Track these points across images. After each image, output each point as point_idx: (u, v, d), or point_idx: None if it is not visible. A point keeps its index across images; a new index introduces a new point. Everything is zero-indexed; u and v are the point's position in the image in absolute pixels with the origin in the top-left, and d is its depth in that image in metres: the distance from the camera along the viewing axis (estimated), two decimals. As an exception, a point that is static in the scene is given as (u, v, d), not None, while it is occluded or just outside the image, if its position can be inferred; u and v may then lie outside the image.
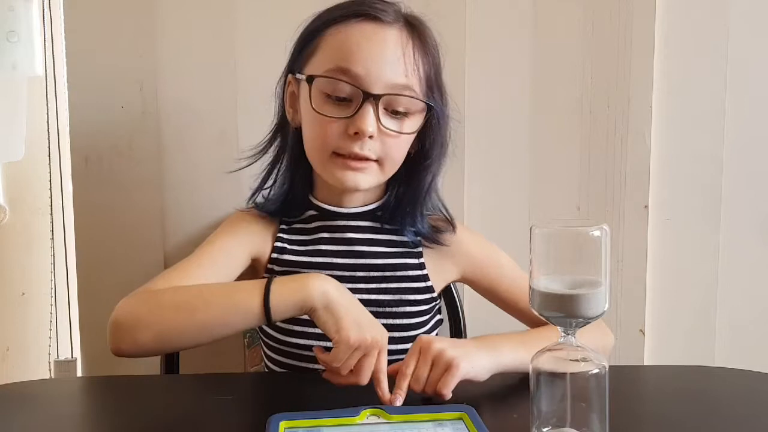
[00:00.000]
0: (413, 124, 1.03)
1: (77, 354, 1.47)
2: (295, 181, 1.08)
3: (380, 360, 0.88)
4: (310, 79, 1.00)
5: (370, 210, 1.09)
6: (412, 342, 0.92)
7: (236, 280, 1.04)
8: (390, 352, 0.90)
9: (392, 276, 1.08)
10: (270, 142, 1.11)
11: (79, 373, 1.46)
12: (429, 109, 1.03)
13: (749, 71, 1.39)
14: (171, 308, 0.91)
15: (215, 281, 0.99)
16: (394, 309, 1.06)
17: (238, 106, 1.34)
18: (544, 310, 0.70)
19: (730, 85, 1.39)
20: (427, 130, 1.05)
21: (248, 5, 1.32)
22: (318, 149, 1.02)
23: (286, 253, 1.08)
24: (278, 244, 1.08)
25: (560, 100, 1.39)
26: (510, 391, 0.93)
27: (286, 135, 1.10)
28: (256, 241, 1.08)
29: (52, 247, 1.49)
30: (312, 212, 1.09)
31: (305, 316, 0.90)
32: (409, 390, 0.87)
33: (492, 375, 0.92)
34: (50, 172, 1.49)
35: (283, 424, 0.76)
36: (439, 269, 1.11)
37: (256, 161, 1.12)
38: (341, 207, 1.08)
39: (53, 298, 1.51)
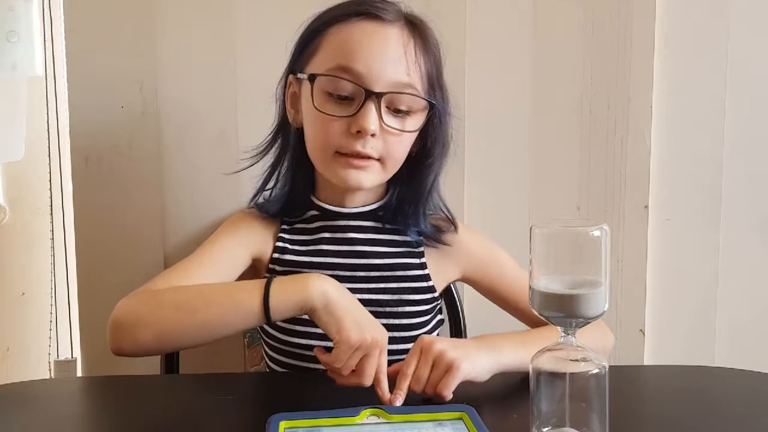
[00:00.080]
0: (415, 122, 1.03)
1: (77, 354, 1.47)
2: (297, 182, 1.08)
3: (380, 360, 0.88)
4: (312, 78, 1.00)
5: (371, 210, 1.09)
6: (413, 342, 0.92)
7: (237, 280, 1.04)
8: (391, 352, 0.90)
9: (394, 276, 1.07)
10: (271, 144, 1.11)
11: (79, 373, 1.46)
12: (431, 107, 1.03)
13: (749, 71, 1.39)
14: (171, 308, 0.91)
15: (215, 281, 0.99)
16: (396, 309, 1.06)
17: (238, 106, 1.34)
18: (544, 310, 0.70)
19: (730, 85, 1.39)
20: (429, 129, 1.05)
21: (248, 5, 1.32)
22: (320, 149, 1.02)
23: (287, 253, 1.08)
24: (279, 244, 1.08)
25: (560, 100, 1.39)
26: (510, 391, 0.93)
27: (288, 136, 1.09)
28: (257, 241, 1.08)
29: (52, 247, 1.49)
30: (313, 212, 1.09)
31: (306, 316, 0.90)
32: (410, 390, 0.87)
33: (492, 375, 0.92)
34: (50, 172, 1.49)
35: (283, 424, 0.76)
36: (440, 269, 1.11)
37: (256, 162, 1.12)
38: (343, 207, 1.08)
39: (53, 298, 1.51)
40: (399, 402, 0.85)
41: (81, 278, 1.36)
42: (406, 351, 0.92)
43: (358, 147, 0.99)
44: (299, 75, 1.04)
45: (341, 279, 0.94)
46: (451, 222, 1.11)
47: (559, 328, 0.72)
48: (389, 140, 1.01)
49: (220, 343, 0.95)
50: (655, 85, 1.38)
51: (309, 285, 0.89)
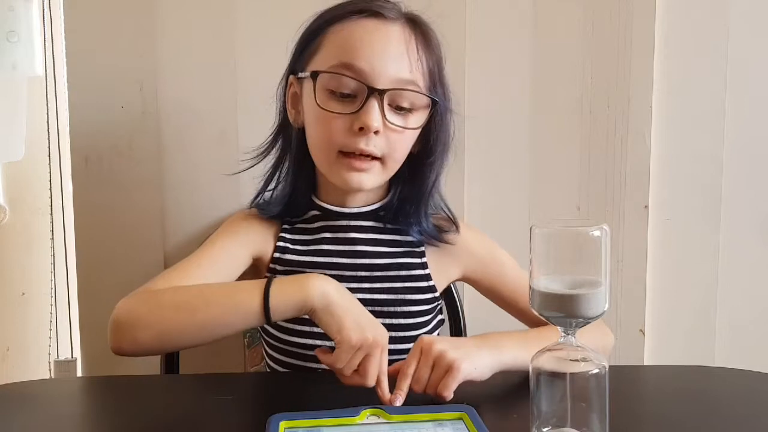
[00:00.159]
0: (417, 119, 1.03)
1: (77, 354, 1.47)
2: (299, 183, 1.08)
3: (381, 360, 0.88)
4: (315, 75, 1.00)
5: (373, 210, 1.09)
6: (413, 342, 0.92)
7: (238, 280, 1.04)
8: (391, 352, 0.90)
9: (395, 276, 1.07)
10: (271, 144, 1.11)
11: (79, 373, 1.46)
12: (433, 104, 1.03)
13: (749, 71, 1.39)
14: (171, 308, 0.91)
15: (216, 281, 0.99)
16: (396, 309, 1.06)
17: (238, 106, 1.34)
18: (544, 310, 0.70)
19: (730, 85, 1.39)
20: (431, 127, 1.05)
21: (248, 5, 1.32)
22: (323, 148, 1.02)
23: (288, 253, 1.08)
24: (280, 243, 1.08)
25: (560, 100, 1.39)
26: (510, 391, 0.93)
27: (288, 137, 1.09)
28: (257, 241, 1.08)
29: (52, 247, 1.49)
30: (314, 212, 1.09)
31: (306, 316, 0.90)
32: (410, 390, 0.87)
33: (493, 374, 0.92)
34: (50, 172, 1.49)
35: (283, 424, 0.76)
36: (441, 268, 1.11)
37: (257, 163, 1.12)
38: (344, 207, 1.08)
39: (53, 298, 1.51)
40: (399, 402, 0.85)
41: (81, 278, 1.36)
42: (406, 351, 0.92)
43: (361, 145, 0.99)
44: (300, 74, 1.04)
45: (342, 279, 0.94)
46: (453, 221, 1.11)
47: (559, 328, 0.72)
48: (392, 138, 1.01)
49: (220, 343, 0.94)
50: (655, 85, 1.38)
51: (309, 285, 0.89)
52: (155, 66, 1.32)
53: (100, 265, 1.34)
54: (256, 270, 1.09)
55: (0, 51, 1.36)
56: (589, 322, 0.70)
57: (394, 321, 1.05)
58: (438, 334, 1.14)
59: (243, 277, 1.06)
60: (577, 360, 0.71)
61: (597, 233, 0.69)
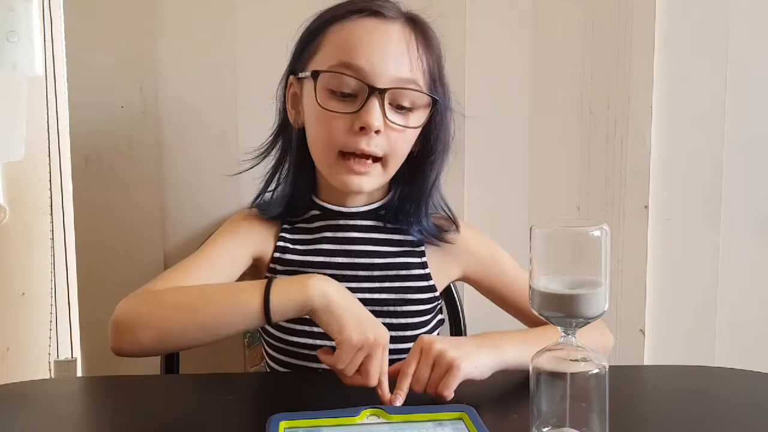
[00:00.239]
0: (418, 118, 1.03)
1: (77, 354, 1.47)
2: (299, 184, 1.08)
3: (382, 360, 0.88)
4: (315, 74, 1.00)
5: (373, 209, 1.09)
6: (413, 341, 0.92)
7: (238, 280, 1.05)
8: (392, 352, 0.90)
9: (395, 275, 1.07)
10: (272, 145, 1.11)
11: (79, 373, 1.46)
12: (434, 103, 1.03)
13: (749, 71, 1.39)
14: (172, 308, 0.91)
15: (216, 282, 0.99)
16: (397, 308, 1.06)
17: (238, 106, 1.34)
18: (544, 310, 0.70)
19: (730, 85, 1.39)
20: (431, 126, 1.05)
21: (248, 5, 1.32)
22: (324, 148, 1.02)
23: (288, 253, 1.08)
24: (281, 243, 1.08)
25: (560, 100, 1.39)
26: (510, 391, 0.93)
27: (288, 137, 1.09)
28: (257, 241, 1.08)
29: (52, 247, 1.49)
30: (315, 212, 1.09)
31: (307, 316, 0.90)
32: (410, 390, 0.87)
33: (492, 375, 0.92)
34: (50, 172, 1.49)
35: (283, 424, 0.76)
36: (441, 268, 1.11)
37: (257, 164, 1.12)
38: (344, 206, 1.08)
39: (53, 298, 1.51)
40: (399, 402, 0.85)
41: (81, 278, 1.36)
42: (406, 350, 0.92)
43: (363, 145, 0.99)
44: (301, 74, 1.04)
45: (342, 278, 0.94)
46: (453, 221, 1.11)
47: (559, 328, 0.72)
48: (393, 137, 1.00)
49: (220, 343, 0.94)
50: (655, 85, 1.38)
51: (309, 286, 0.89)
52: (155, 66, 1.32)
53: (100, 265, 1.34)
54: (256, 270, 1.09)
55: (0, 51, 1.36)
56: (589, 322, 0.70)
57: (394, 320, 1.05)
58: (438, 334, 1.14)
59: (243, 277, 1.06)
60: (577, 360, 0.71)
61: (597, 233, 0.69)
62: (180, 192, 1.34)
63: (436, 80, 1.04)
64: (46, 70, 1.44)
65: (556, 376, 0.71)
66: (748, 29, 1.38)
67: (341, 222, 1.08)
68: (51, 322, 1.52)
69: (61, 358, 1.54)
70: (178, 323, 0.91)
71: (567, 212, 1.40)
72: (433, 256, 1.11)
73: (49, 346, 1.53)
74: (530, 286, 0.71)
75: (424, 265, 1.10)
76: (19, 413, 0.87)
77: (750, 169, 1.42)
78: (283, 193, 1.09)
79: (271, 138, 1.12)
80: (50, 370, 1.53)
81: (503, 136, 1.39)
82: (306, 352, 1.04)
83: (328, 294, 0.88)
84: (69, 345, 1.52)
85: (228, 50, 1.33)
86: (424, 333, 1.08)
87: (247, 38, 1.33)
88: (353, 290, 0.93)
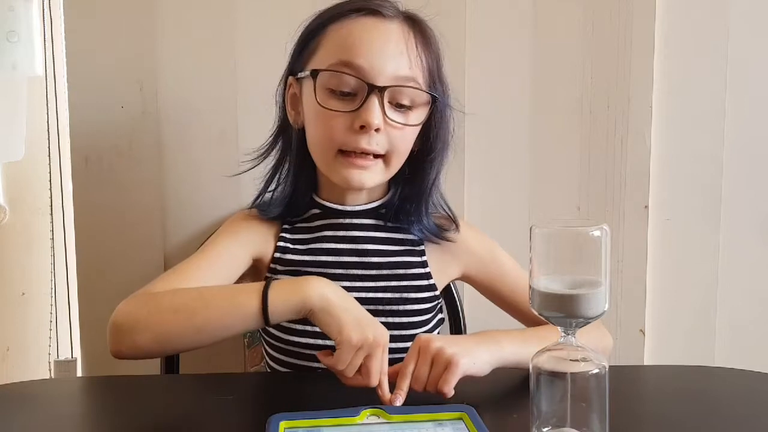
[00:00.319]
0: (418, 116, 1.03)
1: (77, 354, 1.47)
2: (299, 184, 1.08)
3: (382, 359, 0.88)
4: (315, 74, 1.00)
5: (373, 208, 1.09)
6: (413, 341, 0.92)
7: (238, 280, 1.04)
8: (392, 351, 0.90)
9: (395, 274, 1.07)
10: (272, 146, 1.11)
11: (79, 373, 1.46)
12: (433, 101, 1.03)
13: (749, 71, 1.40)
14: (170, 311, 0.91)
15: (215, 283, 0.99)
16: (397, 307, 1.06)
17: (238, 106, 1.34)
18: (544, 310, 0.70)
19: (730, 85, 1.39)
20: (431, 124, 1.05)
21: (248, 5, 1.32)
22: (324, 147, 1.02)
23: (288, 253, 1.08)
24: (281, 243, 1.08)
25: (560, 100, 1.39)
26: (510, 391, 0.93)
27: (288, 138, 1.09)
28: (257, 241, 1.08)
29: (52, 247, 1.49)
30: (315, 211, 1.09)
31: (306, 317, 0.90)
32: (410, 389, 0.87)
33: (492, 375, 0.92)
34: (50, 172, 1.49)
35: (283, 424, 0.76)
36: (441, 266, 1.11)
37: (257, 165, 1.12)
38: (345, 205, 1.08)
39: (53, 298, 1.51)
40: (399, 402, 0.85)
41: (81, 278, 1.36)
42: (406, 350, 0.91)
43: (363, 143, 0.99)
44: (300, 74, 1.04)
45: (342, 277, 0.94)
46: (453, 220, 1.11)
47: (559, 328, 0.72)
48: (393, 135, 1.01)
49: (220, 344, 0.94)
50: (655, 85, 1.38)
51: (307, 287, 0.89)
52: (155, 66, 1.32)
53: (100, 265, 1.34)
54: (256, 271, 1.09)
55: (0, 51, 1.36)
56: (589, 322, 0.70)
57: (395, 319, 1.05)
58: (438, 333, 1.14)
59: (244, 278, 1.06)
60: (577, 360, 0.71)
61: (597, 233, 0.69)
62: (180, 192, 1.34)
63: (435, 78, 1.04)
64: (46, 70, 1.44)
65: (556, 376, 0.71)
66: (748, 29, 1.39)
67: (341, 221, 1.08)
68: (51, 322, 1.52)
69: (61, 358, 1.54)
70: (177, 326, 0.90)
71: (567, 212, 1.40)
72: (433, 255, 1.11)
73: (49, 346, 1.53)
74: (530, 286, 0.71)
75: (424, 264, 1.10)
76: (19, 413, 0.87)
77: (750, 169, 1.42)
78: (284, 193, 1.09)
79: (271, 138, 1.12)
80: (50, 370, 1.53)
81: (503, 136, 1.39)
82: (306, 352, 1.04)
83: (326, 295, 0.88)
84: (69, 345, 1.52)
85: (228, 50, 1.33)
86: (424, 332, 1.08)
87: (247, 38, 1.33)
88: (353, 289, 0.93)
